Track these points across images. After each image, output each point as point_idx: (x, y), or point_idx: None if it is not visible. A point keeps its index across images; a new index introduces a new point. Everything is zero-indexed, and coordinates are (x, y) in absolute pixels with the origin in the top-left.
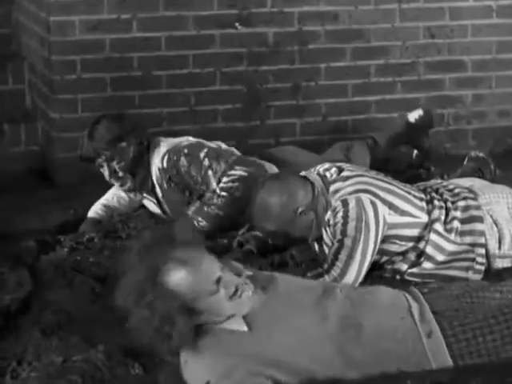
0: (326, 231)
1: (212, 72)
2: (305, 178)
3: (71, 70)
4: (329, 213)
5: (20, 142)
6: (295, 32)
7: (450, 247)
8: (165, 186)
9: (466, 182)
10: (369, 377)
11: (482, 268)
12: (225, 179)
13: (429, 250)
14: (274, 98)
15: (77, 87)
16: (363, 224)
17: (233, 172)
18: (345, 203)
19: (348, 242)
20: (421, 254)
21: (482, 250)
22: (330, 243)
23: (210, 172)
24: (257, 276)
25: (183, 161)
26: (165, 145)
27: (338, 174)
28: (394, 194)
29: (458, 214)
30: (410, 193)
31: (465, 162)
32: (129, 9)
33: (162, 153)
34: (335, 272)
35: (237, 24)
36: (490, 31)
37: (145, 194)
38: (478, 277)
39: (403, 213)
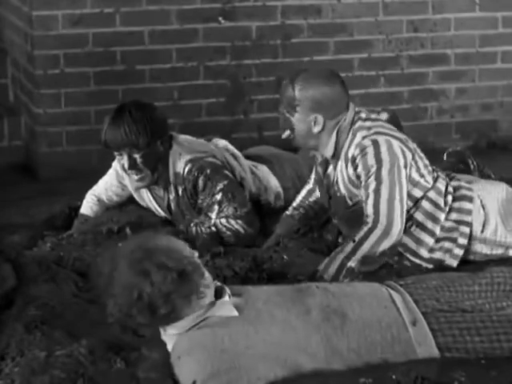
0: (346, 166)
1: (195, 66)
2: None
3: (54, 64)
4: (355, 149)
5: (3, 136)
6: (278, 26)
7: (443, 219)
8: (179, 190)
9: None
10: (353, 368)
11: (461, 253)
12: (224, 222)
13: (418, 216)
14: (258, 92)
15: (60, 82)
16: (395, 168)
17: (233, 223)
18: (376, 144)
19: (385, 190)
20: (409, 219)
21: (467, 230)
22: (345, 179)
23: (216, 206)
24: (228, 286)
25: (200, 181)
26: (187, 149)
27: (367, 117)
28: (415, 148)
29: (452, 190)
30: (424, 157)
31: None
32: (112, 3)
33: (184, 159)
34: (382, 224)
35: (220, 18)
36: (473, 24)
37: (156, 190)
38: (454, 263)
39: (418, 169)
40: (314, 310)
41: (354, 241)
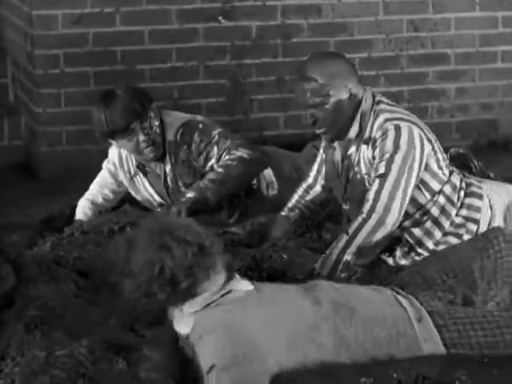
0: (367, 146)
1: (195, 66)
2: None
3: (54, 64)
4: (377, 131)
5: (3, 136)
6: (278, 25)
7: (454, 214)
8: (173, 159)
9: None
10: (357, 364)
11: None
12: (226, 157)
13: (435, 212)
14: (258, 92)
15: (60, 81)
16: (410, 159)
17: (234, 151)
18: (397, 129)
19: (391, 178)
20: (425, 213)
21: (474, 227)
22: (366, 160)
23: (214, 147)
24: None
25: (196, 137)
26: (176, 118)
27: (388, 102)
28: (435, 139)
29: (464, 186)
30: (442, 150)
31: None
32: (112, 2)
33: (176, 126)
34: (378, 213)
35: (220, 17)
36: (473, 24)
37: (152, 174)
38: None
39: (437, 161)
40: (324, 302)
41: (347, 234)
